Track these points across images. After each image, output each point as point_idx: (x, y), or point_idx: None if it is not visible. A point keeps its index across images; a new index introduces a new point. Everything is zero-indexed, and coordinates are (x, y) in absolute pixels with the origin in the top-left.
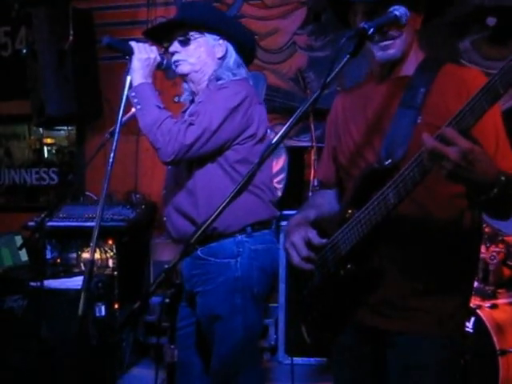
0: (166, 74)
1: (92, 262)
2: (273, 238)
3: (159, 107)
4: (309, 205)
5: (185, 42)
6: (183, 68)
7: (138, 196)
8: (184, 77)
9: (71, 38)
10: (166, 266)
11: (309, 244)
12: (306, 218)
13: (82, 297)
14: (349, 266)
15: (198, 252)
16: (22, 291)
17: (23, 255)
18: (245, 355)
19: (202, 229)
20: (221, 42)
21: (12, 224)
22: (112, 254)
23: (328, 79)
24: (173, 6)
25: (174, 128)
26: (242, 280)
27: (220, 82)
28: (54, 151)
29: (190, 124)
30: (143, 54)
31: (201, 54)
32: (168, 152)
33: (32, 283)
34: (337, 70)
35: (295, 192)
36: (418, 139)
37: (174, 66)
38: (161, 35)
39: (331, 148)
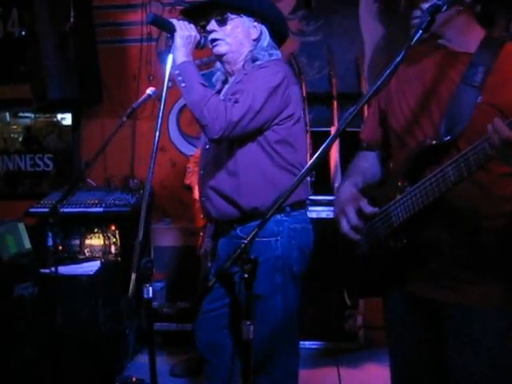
0: (201, 61)
1: (141, 242)
2: (308, 217)
3: (203, 85)
4: (356, 170)
5: (222, 22)
6: (220, 48)
7: (135, 181)
8: (220, 57)
9: (72, 19)
10: (243, 242)
11: (359, 212)
12: (355, 186)
13: (133, 278)
14: (404, 240)
15: (237, 231)
16: (32, 278)
17: (27, 242)
18: (284, 334)
19: (278, 204)
20: (256, 24)
21: None
22: (115, 239)
23: (399, 59)
24: None
25: (220, 105)
26: (282, 259)
27: (258, 62)
28: (20, 139)
29: (235, 102)
30: (185, 32)
31: (237, 35)
32: (216, 129)
33: (43, 270)
34: (404, 52)
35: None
36: (478, 118)
37: (210, 45)
38: (197, 14)
39: (379, 110)
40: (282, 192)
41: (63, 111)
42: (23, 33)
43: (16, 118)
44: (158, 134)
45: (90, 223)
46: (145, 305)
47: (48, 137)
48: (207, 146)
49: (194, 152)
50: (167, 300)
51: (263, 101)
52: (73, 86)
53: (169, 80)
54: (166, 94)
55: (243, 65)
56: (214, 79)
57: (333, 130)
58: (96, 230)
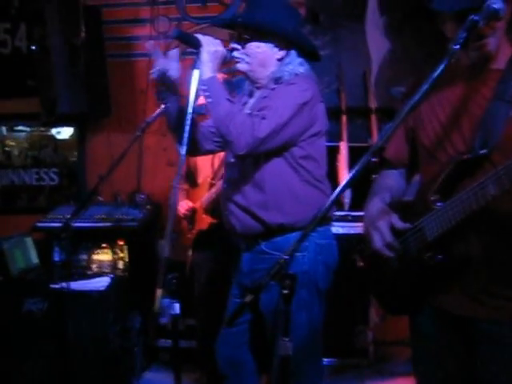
0: (230, 70)
1: (167, 258)
2: (332, 233)
3: (230, 100)
4: (382, 187)
5: (246, 41)
6: (241, 66)
7: (142, 196)
8: (241, 73)
9: (83, 34)
10: (282, 257)
11: (392, 228)
12: (384, 201)
13: (158, 294)
14: (439, 255)
15: (262, 246)
16: (42, 294)
17: (34, 257)
18: (308, 351)
19: (320, 215)
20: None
21: None
22: (122, 255)
23: (435, 75)
24: (173, 6)
25: (247, 121)
26: (308, 274)
27: (284, 80)
28: (16, 153)
29: (262, 118)
30: (211, 47)
31: (257, 55)
32: (241, 145)
33: (53, 285)
34: (442, 67)
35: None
36: (510, 132)
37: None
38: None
39: (406, 128)
40: (322, 207)
41: (70, 125)
42: (33, 47)
43: (12, 132)
44: (184, 149)
45: (97, 238)
46: (172, 321)
47: (43, 151)
48: (232, 160)
49: None
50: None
51: (290, 116)
52: (82, 100)
53: None
54: (192, 108)
55: (269, 82)
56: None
57: (342, 144)
58: (104, 245)
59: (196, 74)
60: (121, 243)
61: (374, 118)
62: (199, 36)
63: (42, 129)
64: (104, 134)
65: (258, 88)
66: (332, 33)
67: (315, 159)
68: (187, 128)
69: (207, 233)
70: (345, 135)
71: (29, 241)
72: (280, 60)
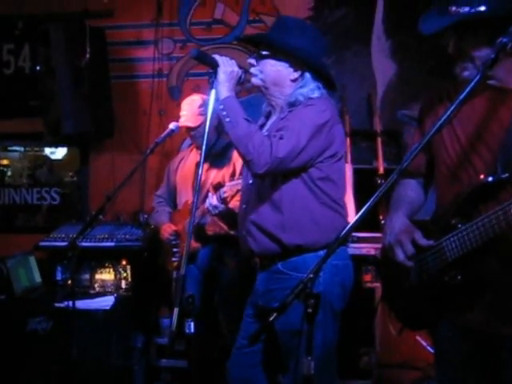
0: (243, 87)
1: (183, 276)
2: (348, 253)
3: (248, 120)
4: (403, 200)
5: (262, 57)
6: (254, 80)
7: (145, 216)
8: (256, 89)
9: (88, 55)
10: (305, 276)
11: (414, 243)
12: (407, 216)
13: (175, 312)
14: (458, 276)
15: (279, 266)
16: (46, 312)
17: (37, 276)
18: (322, 372)
19: (344, 235)
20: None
21: None
22: (125, 274)
23: (462, 96)
24: (177, 27)
25: (266, 141)
26: (324, 295)
27: (302, 100)
28: (9, 172)
29: (280, 138)
30: (228, 68)
31: (270, 73)
32: (261, 164)
33: (58, 304)
34: (472, 85)
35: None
36: None
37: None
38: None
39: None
40: (339, 229)
41: (74, 145)
42: (38, 67)
43: (5, 152)
44: (200, 171)
45: (100, 258)
46: (187, 340)
47: (38, 171)
48: (250, 181)
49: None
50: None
51: (308, 139)
52: (86, 121)
53: None
54: (208, 129)
55: (286, 103)
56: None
57: (346, 166)
58: (106, 265)
59: (213, 93)
60: (124, 263)
61: (379, 140)
62: (216, 56)
63: (37, 148)
64: (107, 155)
65: (273, 107)
66: (337, 54)
67: (333, 181)
68: (204, 147)
69: (191, 256)
70: (349, 157)
71: (32, 260)
72: (294, 81)
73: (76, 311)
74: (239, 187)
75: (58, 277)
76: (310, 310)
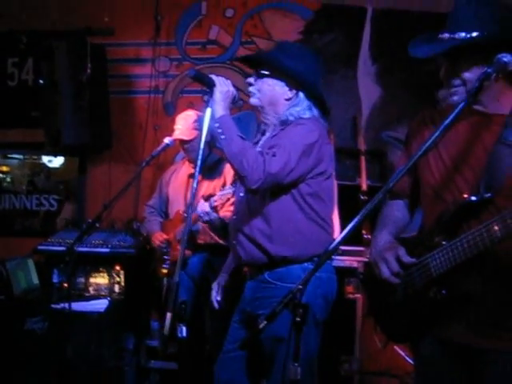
0: (235, 105)
1: (177, 283)
2: (333, 267)
3: (242, 137)
4: (389, 219)
5: (260, 77)
6: (252, 100)
7: (138, 224)
8: (254, 108)
9: (89, 70)
10: (294, 287)
11: (398, 261)
12: (391, 234)
13: (168, 317)
14: (442, 291)
15: (266, 276)
16: (43, 313)
17: (35, 278)
18: (305, 378)
19: (332, 249)
20: (287, 87)
21: None
22: (119, 279)
23: (447, 122)
24: (173, 47)
25: (259, 158)
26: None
27: (292, 119)
28: (8, 179)
29: (273, 155)
30: (224, 87)
31: (268, 92)
32: (254, 179)
33: (54, 305)
34: (457, 111)
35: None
36: None
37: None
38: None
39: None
40: (325, 244)
41: (73, 155)
42: (41, 81)
43: (5, 159)
44: (196, 182)
45: (95, 262)
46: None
47: (36, 178)
48: (241, 194)
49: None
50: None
51: (298, 157)
52: (85, 133)
53: None
54: (204, 144)
55: (279, 121)
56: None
57: None
58: (101, 269)
59: (209, 112)
60: (117, 268)
61: (362, 158)
62: (213, 76)
63: (35, 157)
64: (104, 165)
65: (267, 125)
66: (325, 77)
67: (321, 198)
68: (199, 162)
69: (183, 263)
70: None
71: (30, 262)
72: (288, 100)
73: (71, 313)
74: (229, 196)
75: (55, 279)
76: (298, 319)
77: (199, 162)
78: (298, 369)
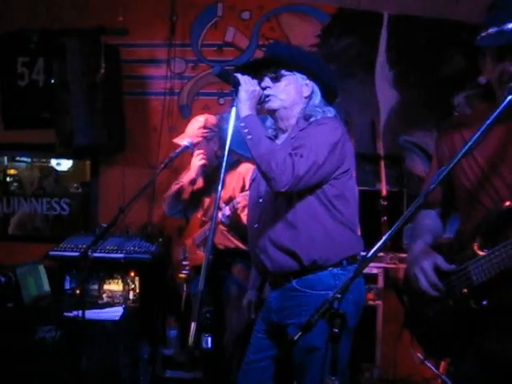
0: (262, 105)
1: (202, 291)
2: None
3: (270, 138)
4: (423, 228)
5: (276, 79)
6: (273, 104)
7: (153, 229)
8: (272, 112)
9: (103, 70)
10: (329, 295)
11: (436, 270)
12: (427, 243)
13: (193, 327)
14: (484, 301)
15: (294, 284)
16: (55, 321)
17: (46, 285)
18: None
19: (371, 256)
20: (307, 81)
21: None
22: (133, 286)
23: (489, 122)
24: (189, 48)
25: (287, 159)
26: None
27: (313, 119)
28: (18, 182)
29: (300, 156)
30: (249, 86)
31: (290, 91)
32: (283, 182)
33: (67, 313)
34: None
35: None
36: None
37: (264, 101)
38: (252, 71)
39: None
40: (355, 248)
41: (85, 157)
42: (52, 81)
43: (13, 162)
44: (220, 188)
45: (109, 269)
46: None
47: (44, 181)
48: (260, 200)
49: None
50: (181, 348)
51: (325, 155)
52: (98, 134)
53: None
54: (228, 146)
55: (296, 122)
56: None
57: None
58: (115, 276)
59: (233, 111)
60: (132, 274)
61: (382, 163)
62: (238, 75)
63: (43, 159)
64: (117, 168)
65: (285, 129)
66: (342, 82)
67: (347, 199)
68: (224, 165)
69: (199, 268)
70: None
71: (41, 268)
72: (307, 97)
73: (85, 321)
74: None
75: (67, 286)
76: (335, 330)
77: (224, 164)
78: (336, 382)
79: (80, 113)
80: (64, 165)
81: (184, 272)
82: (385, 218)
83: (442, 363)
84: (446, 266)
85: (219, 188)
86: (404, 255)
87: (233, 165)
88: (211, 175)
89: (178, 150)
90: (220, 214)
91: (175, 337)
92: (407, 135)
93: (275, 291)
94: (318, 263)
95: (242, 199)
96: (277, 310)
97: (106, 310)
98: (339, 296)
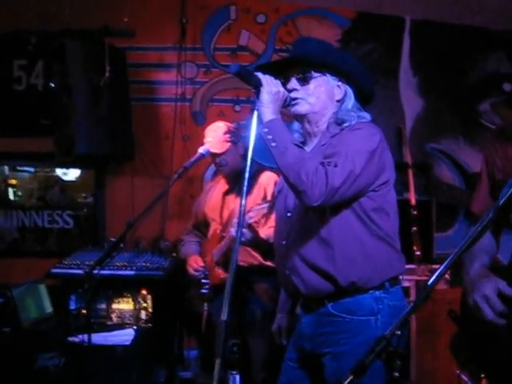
0: (286, 108)
1: (226, 322)
2: (403, 293)
3: (297, 145)
4: (478, 250)
5: (304, 80)
6: (301, 108)
7: (166, 243)
8: (300, 117)
9: (107, 74)
10: (387, 333)
11: (500, 296)
12: (486, 267)
13: (217, 365)
14: None
15: (329, 308)
16: (58, 347)
17: (48, 306)
18: None
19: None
20: (340, 84)
21: None
22: (145, 305)
23: None
24: (200, 52)
25: (320, 169)
26: None
27: (346, 124)
28: (19, 193)
29: (334, 166)
30: (272, 87)
31: (320, 94)
32: (315, 195)
33: (71, 338)
34: None
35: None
36: None
37: (290, 105)
38: (276, 70)
39: (492, 181)
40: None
41: (87, 166)
42: (52, 85)
43: (14, 172)
44: (243, 202)
45: (119, 286)
46: None
47: (49, 192)
48: (288, 214)
49: None
50: (202, 369)
51: (363, 164)
52: (102, 142)
53: None
54: (251, 154)
55: (327, 127)
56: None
57: None
58: (125, 294)
59: (255, 116)
60: (144, 292)
61: (410, 172)
62: (259, 74)
63: (47, 169)
64: (125, 178)
65: (313, 134)
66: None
67: (386, 212)
68: (247, 174)
69: (219, 287)
70: None
71: (42, 288)
72: (339, 101)
73: (92, 346)
74: (265, 211)
75: (72, 306)
76: (396, 375)
77: (246, 175)
78: None
79: (82, 118)
80: (71, 174)
81: (203, 291)
82: (415, 228)
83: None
84: (510, 291)
85: (242, 201)
86: (436, 266)
87: (253, 174)
88: (233, 183)
89: (192, 159)
90: (233, 231)
91: (195, 358)
92: (434, 143)
93: (308, 315)
94: (356, 285)
95: (255, 214)
96: (310, 337)
97: (116, 332)
98: (398, 333)
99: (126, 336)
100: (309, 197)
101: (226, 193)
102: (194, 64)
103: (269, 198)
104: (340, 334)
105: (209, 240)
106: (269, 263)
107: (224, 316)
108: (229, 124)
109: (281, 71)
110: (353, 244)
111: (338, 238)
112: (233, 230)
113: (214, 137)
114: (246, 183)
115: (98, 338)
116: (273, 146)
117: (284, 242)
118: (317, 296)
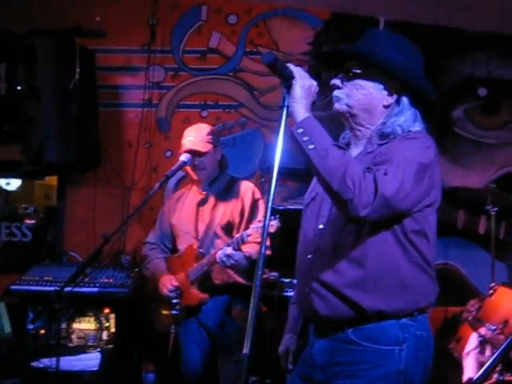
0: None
1: (247, 356)
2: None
3: (338, 146)
4: None
5: (350, 78)
6: (339, 106)
7: (127, 258)
8: (342, 116)
9: (77, 76)
10: None
11: None
12: None
13: None
14: None
15: (349, 334)
16: (20, 373)
17: (7, 326)
18: None
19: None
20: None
21: None
22: (108, 324)
23: None
24: (169, 55)
25: (367, 175)
26: (406, 375)
27: (399, 132)
28: None
29: (384, 173)
30: (306, 81)
31: (362, 97)
32: (363, 203)
33: (34, 363)
34: None
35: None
36: None
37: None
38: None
39: None
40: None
41: (55, 175)
42: (19, 88)
43: None
44: (269, 213)
45: (79, 305)
46: None
47: None
48: (321, 227)
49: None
50: None
51: (414, 177)
52: (71, 150)
53: None
54: (279, 158)
55: (372, 136)
56: (340, 138)
57: None
58: (87, 313)
59: (284, 112)
60: (107, 311)
61: None
62: (291, 67)
63: None
64: (88, 187)
65: (357, 138)
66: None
67: (427, 237)
68: (274, 180)
69: (193, 309)
70: None
71: (1, 306)
72: (387, 107)
73: (58, 373)
74: (272, 229)
75: (30, 326)
76: None
77: (273, 181)
78: None
79: (51, 124)
80: (13, 184)
81: (174, 313)
82: None
83: None
84: None
85: (268, 214)
86: None
87: (230, 183)
88: (207, 192)
89: (174, 168)
90: (220, 253)
91: (152, 381)
92: None
93: (321, 340)
94: (384, 313)
95: (254, 232)
96: (323, 366)
97: (81, 356)
98: None
99: (92, 360)
100: (355, 206)
101: (200, 203)
102: (161, 68)
103: (247, 210)
104: (358, 364)
105: (180, 256)
106: (241, 280)
107: (246, 350)
108: (212, 126)
109: (333, 61)
110: (388, 268)
111: (373, 260)
112: (220, 253)
113: (197, 136)
114: (271, 197)
115: (63, 363)
116: (310, 148)
117: (310, 257)
118: (336, 320)
